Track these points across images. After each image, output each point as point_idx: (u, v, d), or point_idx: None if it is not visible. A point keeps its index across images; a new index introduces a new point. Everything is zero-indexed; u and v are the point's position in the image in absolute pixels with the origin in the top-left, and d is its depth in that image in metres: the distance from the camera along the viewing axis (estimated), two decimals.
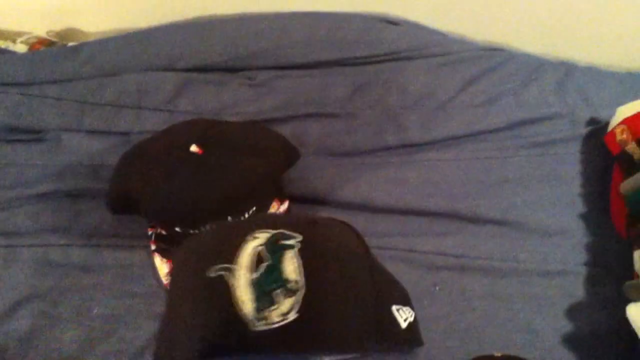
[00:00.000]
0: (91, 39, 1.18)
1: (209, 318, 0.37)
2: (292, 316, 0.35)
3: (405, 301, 0.48)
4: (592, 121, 1.14)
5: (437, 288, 0.93)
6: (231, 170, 0.89)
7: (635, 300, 0.86)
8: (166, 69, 1.14)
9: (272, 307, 0.35)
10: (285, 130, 1.06)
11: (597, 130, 1.12)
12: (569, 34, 1.27)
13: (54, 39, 1.35)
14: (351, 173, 1.06)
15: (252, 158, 0.93)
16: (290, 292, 0.35)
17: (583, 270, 0.97)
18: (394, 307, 0.46)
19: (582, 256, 0.99)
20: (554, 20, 1.23)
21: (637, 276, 0.90)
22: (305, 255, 0.38)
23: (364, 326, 0.40)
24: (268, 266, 0.37)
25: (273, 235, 0.40)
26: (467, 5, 1.19)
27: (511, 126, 1.11)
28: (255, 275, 0.37)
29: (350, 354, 0.44)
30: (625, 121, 1.04)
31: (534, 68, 1.20)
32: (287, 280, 0.36)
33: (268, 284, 0.36)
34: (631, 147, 1.01)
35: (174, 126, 0.98)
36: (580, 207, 1.04)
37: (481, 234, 1.00)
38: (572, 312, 0.93)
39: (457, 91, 1.15)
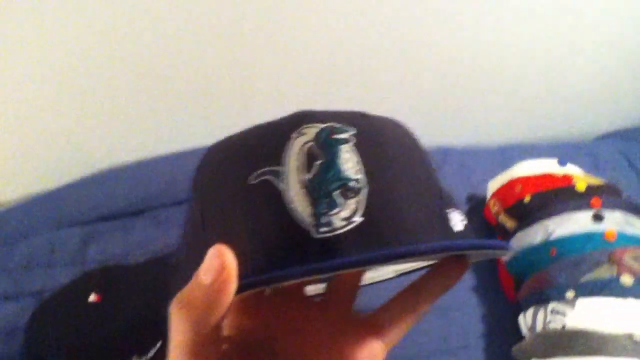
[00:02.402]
0: (1, 208, 1.24)
1: (265, 225, 0.30)
2: (357, 219, 0.30)
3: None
4: (471, 198, 1.23)
5: None
6: (128, 311, 0.94)
7: None
8: (73, 224, 1.20)
9: (334, 210, 0.29)
10: None
11: (477, 205, 1.21)
12: (442, 120, 1.39)
13: None
14: None
15: (155, 293, 0.98)
16: (352, 192, 0.30)
17: (482, 342, 1.02)
18: (451, 210, 0.37)
19: (480, 328, 1.04)
20: (424, 111, 1.35)
21: None
22: (363, 150, 0.32)
23: (431, 224, 0.34)
24: (322, 164, 0.31)
25: (322, 130, 0.33)
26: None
27: None
28: (308, 176, 0.31)
29: (420, 260, 0.38)
30: (494, 195, 1.14)
31: None
32: (347, 179, 0.31)
33: (327, 184, 0.30)
34: (503, 217, 1.10)
35: (75, 279, 1.04)
36: (472, 280, 1.10)
37: None
38: None
39: None
